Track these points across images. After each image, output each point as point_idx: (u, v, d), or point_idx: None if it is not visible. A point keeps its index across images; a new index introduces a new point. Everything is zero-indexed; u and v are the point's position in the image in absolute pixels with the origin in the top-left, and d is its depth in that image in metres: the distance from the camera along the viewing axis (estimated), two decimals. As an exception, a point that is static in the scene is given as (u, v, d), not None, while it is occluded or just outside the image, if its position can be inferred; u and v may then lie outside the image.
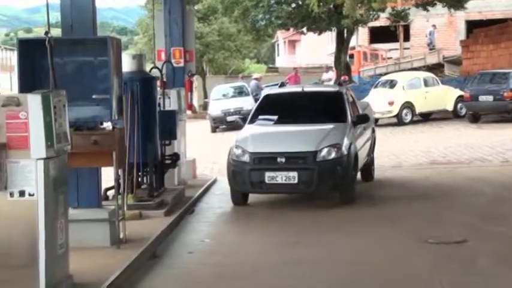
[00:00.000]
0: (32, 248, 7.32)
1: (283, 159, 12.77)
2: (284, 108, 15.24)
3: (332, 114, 14.43)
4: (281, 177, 12.69)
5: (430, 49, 47.47)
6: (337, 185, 13.08)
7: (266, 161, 13.02)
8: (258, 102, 15.97)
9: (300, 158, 12.93)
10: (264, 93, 18.83)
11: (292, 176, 12.65)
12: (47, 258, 7.35)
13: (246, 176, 12.93)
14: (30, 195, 7.33)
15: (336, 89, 16.60)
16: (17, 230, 7.33)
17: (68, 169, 8.07)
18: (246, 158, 13.04)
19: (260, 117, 14.88)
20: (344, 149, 13.04)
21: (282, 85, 18.96)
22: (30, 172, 7.33)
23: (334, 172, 12.83)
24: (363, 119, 14.77)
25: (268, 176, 12.71)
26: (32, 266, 7.30)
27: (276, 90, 17.63)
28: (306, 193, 13.63)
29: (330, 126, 13.89)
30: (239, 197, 13.62)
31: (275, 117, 14.77)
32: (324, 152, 12.88)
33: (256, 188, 13.17)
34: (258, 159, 12.97)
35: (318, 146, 12.90)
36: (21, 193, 7.34)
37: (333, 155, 12.90)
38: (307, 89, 17.07)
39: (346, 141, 13.24)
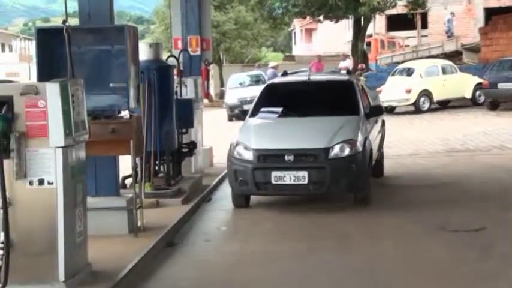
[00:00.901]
0: (51, 236, 7.36)
1: (291, 157, 11.53)
2: (289, 99, 13.82)
3: (343, 105, 13.19)
4: (289, 177, 11.47)
5: (448, 37, 47.28)
6: (351, 186, 11.81)
7: (272, 159, 11.84)
8: (260, 92, 14.26)
9: (311, 156, 11.71)
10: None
11: (301, 176, 11.44)
12: (66, 246, 7.38)
13: (249, 176, 11.66)
14: (49, 183, 7.36)
15: (345, 78, 15.38)
16: (36, 218, 7.36)
17: (86, 157, 8.10)
18: (249, 155, 11.81)
19: (263, 109, 13.29)
20: (359, 145, 11.83)
21: (285, 74, 15.98)
22: (49, 160, 7.35)
23: (349, 171, 11.61)
24: (376, 111, 13.65)
25: (275, 176, 11.51)
26: (51, 253, 7.34)
27: (279, 79, 15.90)
28: (317, 194, 12.32)
29: (341, 119, 12.62)
30: (241, 199, 12.45)
31: (280, 110, 13.02)
32: (337, 148, 11.65)
33: (261, 190, 11.91)
34: (263, 157, 11.77)
35: (330, 142, 11.66)
36: (41, 181, 7.36)
37: (347, 151, 11.66)
38: (314, 78, 15.42)
39: (360, 136, 12.02)
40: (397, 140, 20.67)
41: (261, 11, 47.04)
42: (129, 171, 11.02)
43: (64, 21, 8.79)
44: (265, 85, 15.36)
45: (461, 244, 9.53)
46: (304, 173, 11.44)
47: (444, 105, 32.95)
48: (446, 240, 9.75)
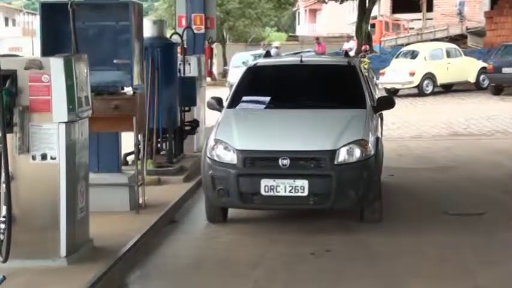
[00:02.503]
0: (53, 212, 7.41)
1: (287, 162, 8.92)
2: (278, 86, 11.17)
3: (344, 96, 10.69)
4: (284, 187, 8.87)
5: (460, 20, 47.22)
6: (362, 199, 9.17)
7: (262, 163, 9.14)
8: (241, 77, 11.31)
9: (312, 160, 9.06)
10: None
11: (300, 186, 8.83)
12: (68, 221, 7.43)
13: (232, 185, 8.97)
14: (52, 158, 7.39)
15: (346, 62, 11.68)
16: (38, 193, 7.40)
17: (88, 133, 8.12)
18: (231, 158, 9.12)
19: (245, 98, 10.68)
20: (371, 147, 9.27)
21: (268, 55, 13.06)
22: (52, 136, 7.38)
23: (359, 180, 9.03)
24: (385, 104, 10.90)
25: (266, 186, 8.87)
26: (53, 229, 7.39)
27: (264, 60, 12.12)
28: (319, 209, 9.70)
29: (346, 113, 10.05)
30: (217, 213, 9.76)
31: (267, 99, 10.61)
32: (345, 151, 9.05)
33: (248, 202, 9.16)
34: (250, 161, 9.08)
35: (336, 143, 9.06)
36: (43, 156, 7.39)
37: (357, 155, 9.09)
38: (308, 60, 12.54)
39: (371, 136, 9.49)
40: (400, 122, 20.71)
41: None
42: (132, 148, 11.05)
43: (69, -4, 8.85)
44: (246, 68, 11.98)
45: (462, 227, 9.53)
46: (304, 182, 8.85)
47: (447, 89, 33.14)
48: (448, 223, 9.76)
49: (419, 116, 23.27)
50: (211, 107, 10.79)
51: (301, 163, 9.09)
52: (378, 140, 9.63)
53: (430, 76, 32.43)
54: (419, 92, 31.98)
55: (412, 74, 32.25)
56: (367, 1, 45.63)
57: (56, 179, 7.41)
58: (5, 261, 6.95)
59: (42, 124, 7.36)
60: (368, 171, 9.13)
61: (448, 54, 33.71)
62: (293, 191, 8.89)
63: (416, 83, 32.21)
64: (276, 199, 9.04)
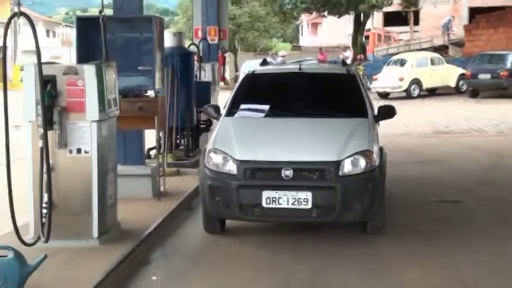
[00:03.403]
0: (86, 198, 7.47)
1: (289, 173, 7.59)
2: (276, 94, 9.59)
3: (345, 105, 9.21)
4: (287, 199, 7.52)
5: (447, 34, 47.27)
6: (367, 211, 7.82)
7: (264, 174, 7.78)
8: (238, 84, 9.90)
9: (316, 171, 7.70)
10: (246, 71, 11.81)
11: (303, 199, 7.49)
12: (99, 207, 7.50)
13: (231, 196, 7.66)
14: (85, 152, 7.45)
15: (344, 70, 9.99)
16: (74, 182, 7.46)
17: (116, 131, 8.19)
18: (231, 168, 7.78)
19: (243, 106, 9.21)
20: (375, 158, 7.95)
21: (265, 63, 10.95)
22: (86, 132, 7.43)
23: (365, 192, 7.74)
24: (387, 113, 9.33)
25: (268, 198, 7.53)
26: (86, 213, 7.45)
27: (262, 68, 10.37)
28: (323, 223, 8.24)
29: (348, 123, 8.62)
30: (215, 223, 8.42)
31: (266, 107, 9.05)
32: (350, 162, 7.71)
33: (248, 214, 7.79)
34: (250, 172, 7.72)
35: (341, 154, 7.71)
36: (78, 150, 7.45)
37: (362, 166, 7.74)
38: (307, 68, 10.96)
39: (375, 146, 8.16)
40: (390, 121, 20.58)
41: (273, 6, 47.21)
42: (154, 144, 11.06)
43: (100, 12, 8.90)
44: (244, 75, 10.63)
45: (443, 212, 9.59)
46: (307, 195, 7.51)
47: (432, 92, 33.16)
48: (431, 209, 9.84)
49: (407, 116, 23.14)
50: (208, 114, 9.77)
51: (305, 174, 7.69)
52: (381, 150, 8.27)
53: (416, 81, 32.43)
54: (407, 95, 32.00)
55: (401, 80, 32.31)
56: (361, 16, 45.67)
57: (89, 170, 7.46)
58: (46, 241, 6.95)
59: (77, 122, 7.42)
60: (373, 183, 7.78)
61: (432, 62, 33.70)
62: (296, 203, 7.52)
63: (404, 88, 32.26)
64: (278, 211, 7.63)
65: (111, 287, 6.52)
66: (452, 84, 33.24)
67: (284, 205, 7.54)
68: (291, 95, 9.55)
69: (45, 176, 7.05)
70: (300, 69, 10.10)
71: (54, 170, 7.24)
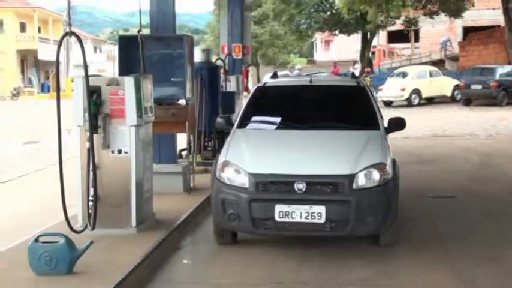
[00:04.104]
0: (126, 192, 7.51)
1: (302, 186, 6.55)
2: (288, 106, 8.53)
3: (356, 117, 8.14)
4: (300, 214, 6.52)
5: (445, 50, 47.15)
6: (380, 225, 6.80)
7: (276, 187, 6.69)
8: (250, 96, 8.83)
9: (329, 185, 6.65)
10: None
11: (317, 213, 6.49)
12: (137, 200, 7.54)
13: (243, 210, 6.65)
14: (125, 152, 7.49)
15: (354, 82, 9.01)
16: (116, 178, 7.51)
17: (152, 134, 8.21)
18: (243, 182, 6.75)
19: (255, 118, 8.12)
20: (389, 170, 6.91)
21: (275, 76, 9.50)
22: (126, 135, 7.47)
23: (379, 206, 6.71)
24: (397, 125, 8.29)
25: (280, 211, 6.53)
26: (126, 205, 7.50)
27: (273, 81, 9.20)
28: (337, 236, 7.04)
29: (360, 135, 7.57)
30: (227, 236, 7.36)
31: (277, 119, 7.94)
32: (364, 175, 6.69)
33: (260, 228, 6.73)
34: (263, 185, 6.68)
35: (354, 167, 6.70)
36: (119, 151, 7.50)
37: (376, 179, 6.72)
38: (318, 80, 9.89)
39: (389, 158, 7.10)
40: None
41: (290, 26, 47.10)
42: (185, 145, 11.09)
43: (139, 31, 8.95)
44: (255, 87, 9.38)
45: (438, 206, 9.55)
46: (321, 209, 6.50)
47: (430, 101, 33.01)
48: (427, 203, 9.77)
49: (408, 122, 22.96)
50: (220, 126, 8.67)
51: (318, 188, 6.64)
52: (394, 162, 7.20)
53: (416, 91, 32.31)
54: (408, 104, 31.84)
55: (403, 90, 32.22)
56: (368, 34, 45.53)
57: (128, 168, 7.50)
58: (92, 229, 7.06)
59: (118, 127, 7.46)
60: (387, 196, 6.78)
61: (431, 75, 33.66)
62: (309, 217, 6.53)
63: (406, 97, 32.14)
64: (290, 225, 6.61)
65: (148, 268, 6.55)
66: (448, 93, 33.16)
67: (297, 219, 6.55)
68: (302, 107, 8.50)
69: (91, 173, 7.14)
70: (310, 81, 9.11)
71: (99, 168, 7.31)
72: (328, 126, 7.80)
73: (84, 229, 7.06)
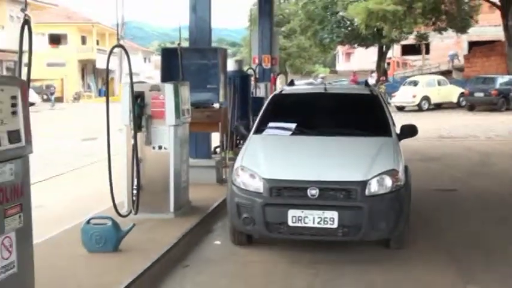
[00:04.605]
0: (165, 182, 7.57)
1: (315, 192, 5.93)
2: (303, 113, 7.76)
3: (369, 124, 7.37)
4: (312, 219, 5.91)
5: (452, 61, 46.92)
6: (392, 230, 6.16)
7: (289, 193, 6.08)
8: (266, 103, 8.11)
9: (342, 191, 5.99)
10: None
11: (329, 218, 5.88)
12: (175, 189, 7.59)
13: (257, 214, 6.06)
14: (165, 148, 7.55)
15: (368, 91, 8.22)
16: (156, 170, 7.55)
17: (189, 133, 8.24)
18: (257, 187, 6.14)
19: (271, 124, 7.41)
20: (401, 177, 6.23)
21: (292, 83, 9.10)
22: (165, 134, 7.53)
23: (391, 212, 6.05)
24: (409, 132, 7.50)
25: (293, 216, 5.93)
26: (165, 193, 7.55)
27: (289, 89, 8.59)
28: (349, 241, 6.34)
29: (373, 141, 6.88)
30: (242, 237, 6.72)
31: (293, 126, 7.24)
32: (376, 182, 6.03)
33: (273, 232, 6.12)
34: (276, 190, 6.07)
35: (367, 174, 6.05)
36: (160, 147, 7.55)
37: (388, 186, 6.06)
38: (332, 88, 9.53)
39: (401, 165, 6.39)
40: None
41: (315, 40, 46.99)
42: (218, 143, 11.14)
43: (178, 44, 9.01)
44: (272, 95, 8.78)
45: (441, 198, 9.52)
46: (333, 214, 5.88)
47: (438, 107, 32.74)
48: (432, 195, 9.72)
49: (418, 124, 22.80)
50: (238, 132, 8.04)
51: (331, 194, 5.99)
52: (406, 169, 6.48)
53: (426, 98, 32.15)
54: (419, 109, 31.72)
55: (414, 96, 32.11)
56: (384, 47, 45.35)
57: (167, 162, 7.55)
58: (136, 214, 7.13)
59: (159, 126, 7.52)
60: (399, 203, 6.11)
61: (439, 83, 33.45)
62: (322, 222, 5.91)
63: (416, 103, 32.01)
64: (303, 230, 6.00)
65: (184, 247, 6.60)
66: (454, 100, 32.89)
67: (310, 224, 5.92)
68: (316, 114, 7.78)
69: (135, 165, 7.18)
70: (325, 89, 8.51)
71: (142, 161, 7.38)
72: (341, 133, 7.09)
73: (128, 214, 7.12)
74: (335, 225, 5.87)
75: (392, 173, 6.12)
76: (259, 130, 7.39)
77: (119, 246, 6.17)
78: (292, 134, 7.17)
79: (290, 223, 5.94)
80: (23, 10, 4.33)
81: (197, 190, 8.50)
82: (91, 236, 6.13)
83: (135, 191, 7.26)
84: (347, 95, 8.50)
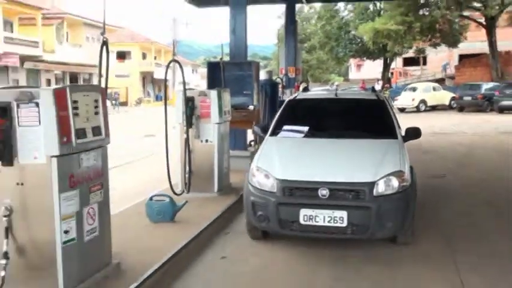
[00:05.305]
0: (211, 169, 7.71)
1: (326, 192, 5.21)
2: (315, 117, 6.98)
3: (376, 127, 6.62)
4: (323, 218, 5.19)
5: (446, 74, 46.38)
6: (398, 229, 5.43)
7: (301, 193, 5.33)
8: (282, 108, 7.24)
9: (351, 192, 5.24)
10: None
11: (339, 217, 5.16)
12: (218, 173, 7.72)
13: (271, 212, 5.37)
14: (210, 141, 7.67)
15: (375, 96, 7.40)
16: (204, 159, 7.68)
17: (229, 129, 8.31)
18: (271, 186, 5.43)
19: (286, 127, 6.64)
20: (407, 178, 5.46)
21: (306, 89, 8.30)
22: (210, 130, 7.66)
23: (398, 211, 5.31)
24: (414, 134, 6.65)
25: (305, 215, 5.22)
26: (211, 177, 7.69)
27: (303, 94, 7.78)
28: (357, 239, 5.49)
29: (380, 144, 6.11)
30: (257, 232, 5.96)
31: (305, 128, 6.51)
32: (383, 183, 5.29)
33: (286, 229, 5.38)
34: (289, 190, 5.34)
35: (375, 175, 5.31)
36: (206, 140, 7.68)
37: (395, 186, 5.30)
38: (342, 94, 7.99)
39: (407, 166, 5.61)
40: (402, 125, 20.30)
41: (331, 54, 46.79)
42: (252, 138, 11.16)
43: (221, 59, 9.14)
44: (287, 100, 7.65)
45: (433, 183, 9.47)
46: (343, 214, 5.17)
47: (433, 108, 32.21)
48: (426, 181, 9.56)
49: (415, 123, 22.48)
50: (256, 133, 7.38)
51: (341, 194, 5.25)
52: (412, 169, 5.71)
53: (423, 101, 31.65)
54: (417, 110, 31.14)
55: (413, 100, 31.61)
56: (388, 60, 44.89)
57: (212, 152, 7.68)
58: (188, 193, 7.26)
59: (205, 124, 7.65)
60: (406, 202, 5.37)
61: (434, 89, 32.92)
62: (332, 221, 5.19)
63: (415, 105, 31.49)
64: (314, 228, 5.25)
65: (224, 221, 6.67)
66: (447, 103, 32.36)
67: (320, 223, 5.20)
68: (327, 117, 7.02)
69: (187, 155, 7.35)
70: (336, 95, 7.56)
71: (192, 151, 7.51)
72: (350, 135, 6.34)
73: (182, 193, 7.22)
74: (344, 224, 5.17)
75: (398, 174, 5.39)
76: (274, 133, 6.62)
77: (175, 218, 6.29)
78: (304, 137, 6.41)
79: (302, 221, 5.23)
80: (102, 34, 4.55)
81: (235, 175, 8.46)
82: (153, 210, 6.26)
83: (187, 175, 7.38)
84: (355, 100, 7.57)
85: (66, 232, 3.92)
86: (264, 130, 6.84)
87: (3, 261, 3.78)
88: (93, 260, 4.28)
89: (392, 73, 50.72)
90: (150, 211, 6.30)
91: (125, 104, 51.27)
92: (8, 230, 3.85)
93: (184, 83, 7.27)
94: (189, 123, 7.34)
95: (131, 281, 4.41)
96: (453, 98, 31.77)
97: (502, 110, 26.98)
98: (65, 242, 3.92)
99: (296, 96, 7.59)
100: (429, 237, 6.10)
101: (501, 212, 7.28)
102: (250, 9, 10.87)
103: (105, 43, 4.50)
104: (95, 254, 4.29)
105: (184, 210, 6.39)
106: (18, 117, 3.78)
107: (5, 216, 3.83)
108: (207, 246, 5.80)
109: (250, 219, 5.69)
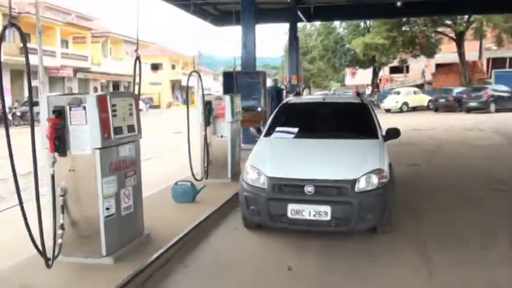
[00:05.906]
0: (225, 159, 7.68)
1: (311, 189, 4.83)
2: (305, 119, 6.55)
3: (360, 128, 6.18)
4: (308, 212, 4.82)
5: (424, 80, 46.00)
6: (378, 222, 5.04)
7: (289, 189, 4.94)
8: (275, 111, 6.88)
9: (335, 188, 4.86)
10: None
11: (323, 212, 4.79)
12: (231, 163, 7.70)
13: (262, 207, 5.01)
14: (224, 137, 7.67)
15: (359, 100, 6.95)
16: (219, 151, 7.64)
17: (240, 127, 8.31)
18: (262, 183, 5.06)
19: (278, 129, 6.28)
20: (386, 174, 5.10)
21: (298, 94, 8.38)
22: (225, 127, 7.67)
23: (377, 206, 4.92)
24: (393, 134, 6.23)
25: (292, 210, 4.85)
26: (224, 167, 7.67)
27: (294, 99, 7.32)
28: (340, 232, 5.07)
29: (362, 143, 5.72)
30: (251, 223, 5.49)
31: (295, 130, 6.10)
32: (364, 180, 4.92)
33: (276, 222, 4.99)
34: (278, 187, 4.97)
35: (356, 173, 4.94)
36: (221, 136, 7.66)
37: (375, 183, 4.92)
38: (330, 98, 8.26)
39: (386, 164, 5.25)
40: (387, 122, 20.09)
41: (329, 64, 46.57)
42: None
43: (234, 69, 9.28)
44: (280, 104, 7.30)
45: (409, 170, 9.45)
46: (327, 208, 4.80)
47: (414, 109, 31.93)
48: (403, 169, 9.51)
49: (399, 121, 22.33)
50: (252, 134, 6.78)
51: (325, 190, 4.85)
52: (390, 166, 5.31)
53: (405, 103, 31.38)
54: (400, 110, 30.87)
55: (397, 102, 31.36)
56: (376, 68, 44.63)
57: (226, 146, 7.65)
58: (206, 179, 7.35)
59: (221, 123, 7.66)
60: (385, 197, 4.97)
61: (414, 93, 32.61)
62: (317, 215, 4.80)
63: (399, 106, 31.23)
64: (301, 221, 4.86)
65: (235, 201, 6.44)
66: (425, 104, 32.03)
67: (306, 217, 4.81)
68: (316, 120, 6.60)
69: (206, 148, 7.43)
70: (324, 99, 7.29)
71: (210, 145, 7.52)
72: (336, 135, 5.90)
73: (201, 179, 7.28)
74: (328, 218, 4.79)
75: (378, 171, 5.01)
76: (268, 133, 6.24)
77: (195, 199, 6.38)
78: (294, 137, 6.00)
79: (289, 215, 4.85)
80: (135, 50, 4.73)
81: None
82: (178, 192, 6.35)
83: (205, 165, 7.42)
84: (341, 104, 7.16)
85: (107, 209, 4.12)
86: (259, 131, 6.51)
87: (60, 231, 3.98)
88: (129, 231, 4.46)
89: (380, 79, 50.34)
90: (175, 193, 6.39)
91: (157, 107, 51.57)
92: (64, 207, 4.04)
93: (203, 90, 7.38)
94: (207, 122, 7.38)
95: (159, 247, 4.57)
96: (430, 101, 31.58)
97: (469, 110, 26.78)
98: (106, 217, 4.12)
99: (288, 101, 7.18)
100: (399, 212, 6.19)
101: (461, 191, 7.41)
102: (263, 27, 11.14)
103: (138, 58, 4.67)
104: (130, 226, 4.47)
105: (203, 192, 6.43)
106: (70, 118, 3.96)
107: (61, 195, 4.03)
108: (222, 221, 5.94)
109: (244, 213, 5.34)
